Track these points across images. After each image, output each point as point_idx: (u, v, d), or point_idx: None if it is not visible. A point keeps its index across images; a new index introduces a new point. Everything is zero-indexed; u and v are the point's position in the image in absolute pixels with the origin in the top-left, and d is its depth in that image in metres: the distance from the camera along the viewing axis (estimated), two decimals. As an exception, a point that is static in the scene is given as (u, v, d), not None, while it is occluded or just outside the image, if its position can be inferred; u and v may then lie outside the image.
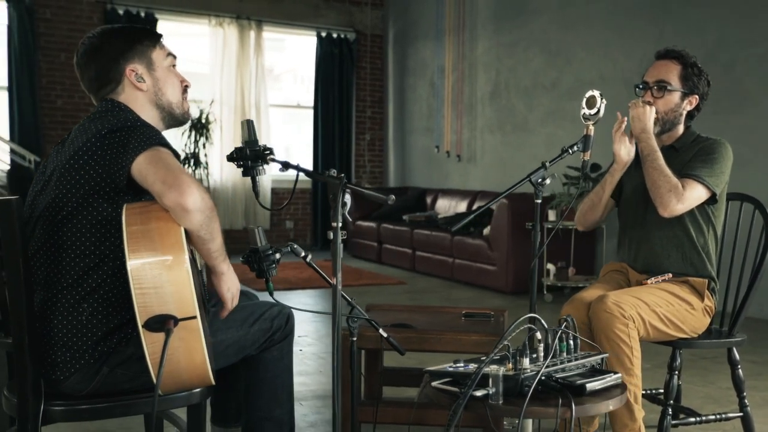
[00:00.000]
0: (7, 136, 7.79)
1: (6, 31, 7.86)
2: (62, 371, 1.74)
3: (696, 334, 2.58)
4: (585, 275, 6.05)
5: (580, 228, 2.88)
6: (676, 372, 2.56)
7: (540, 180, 2.43)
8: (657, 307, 2.43)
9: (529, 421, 1.96)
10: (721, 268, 2.79)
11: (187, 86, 2.08)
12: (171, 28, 8.90)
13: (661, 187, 2.48)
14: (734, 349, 2.64)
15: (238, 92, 8.92)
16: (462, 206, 7.66)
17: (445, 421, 2.04)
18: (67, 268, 1.76)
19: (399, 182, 9.72)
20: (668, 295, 2.49)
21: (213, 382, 1.76)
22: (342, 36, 9.60)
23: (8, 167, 7.63)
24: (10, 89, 7.89)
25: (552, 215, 5.87)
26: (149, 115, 1.96)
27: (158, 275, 1.60)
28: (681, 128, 2.68)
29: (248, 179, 1.93)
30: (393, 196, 1.73)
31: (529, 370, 1.79)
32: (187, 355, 1.64)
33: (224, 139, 8.75)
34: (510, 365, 1.81)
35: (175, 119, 2.03)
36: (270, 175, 8.59)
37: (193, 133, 8.33)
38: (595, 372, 1.92)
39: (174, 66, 2.05)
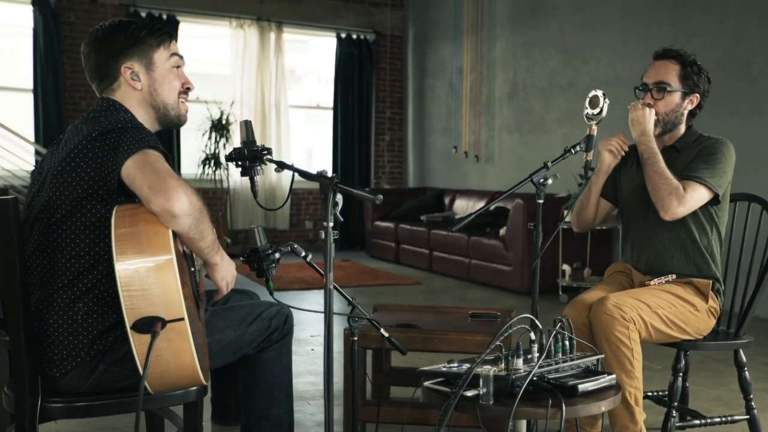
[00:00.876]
0: (32, 138, 7.93)
1: (32, 35, 8.00)
2: (59, 369, 1.77)
3: (701, 335, 2.55)
4: (600, 276, 5.96)
5: (576, 229, 2.88)
6: (680, 374, 2.54)
7: (542, 180, 2.43)
8: (659, 309, 2.41)
9: (523, 422, 1.96)
10: (729, 269, 2.76)
11: (189, 88, 2.06)
12: (192, 30, 9.01)
13: (661, 190, 2.46)
14: (741, 351, 2.61)
15: (258, 93, 8.99)
16: (479, 206, 7.65)
17: (454, 421, 2.05)
18: (63, 268, 1.78)
19: (418, 183, 9.73)
20: (671, 296, 2.47)
21: (204, 382, 1.77)
22: (361, 37, 9.63)
23: (33, 168, 7.75)
24: (35, 91, 8.04)
25: (569, 216, 5.82)
26: (143, 114, 1.96)
27: (145, 278, 1.62)
28: (683, 128, 2.65)
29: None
30: (380, 196, 1.75)
31: (521, 371, 1.79)
32: (175, 356, 1.66)
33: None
34: (502, 365, 1.82)
35: (169, 121, 2.02)
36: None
37: (214, 133, 8.42)
38: (589, 373, 1.91)
39: (179, 67, 2.03)
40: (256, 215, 8.92)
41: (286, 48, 9.33)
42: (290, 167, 1.92)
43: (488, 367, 1.79)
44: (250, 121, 1.98)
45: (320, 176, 1.81)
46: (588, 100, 2.46)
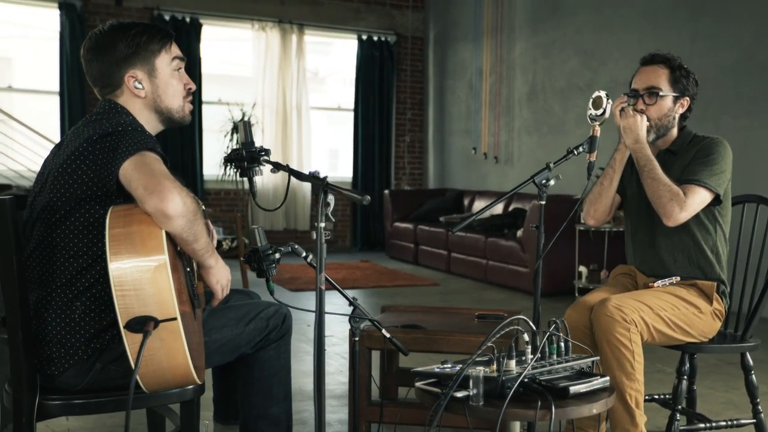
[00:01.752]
0: (57, 139, 8.06)
1: (58, 38, 8.14)
2: (57, 367, 1.81)
3: (706, 338, 2.53)
4: (620, 278, 5.94)
5: (591, 222, 2.80)
6: (685, 377, 2.52)
7: (544, 181, 2.43)
8: (662, 311, 2.39)
9: (517, 424, 1.96)
10: (736, 271, 2.74)
11: (191, 89, 2.07)
12: (215, 33, 9.10)
13: (662, 197, 2.44)
14: (747, 354, 2.58)
15: (279, 95, 9.05)
16: (498, 208, 7.62)
17: (450, 422, 2.06)
18: (61, 267, 1.82)
19: (438, 184, 9.72)
20: (674, 298, 2.45)
21: (198, 382, 1.80)
22: (382, 39, 9.65)
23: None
24: (61, 94, 8.18)
25: (582, 212, 5.80)
26: (147, 117, 1.99)
27: (139, 278, 1.64)
28: (675, 131, 2.63)
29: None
30: (368, 197, 1.76)
31: (513, 372, 1.79)
32: (168, 356, 1.69)
33: (266, 141, 8.87)
34: (494, 367, 1.82)
35: (174, 122, 2.05)
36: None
37: (235, 135, 8.49)
38: (583, 375, 1.91)
39: (180, 69, 2.04)
40: (277, 216, 8.99)
41: (310, 50, 9.37)
42: (285, 168, 1.94)
43: (480, 368, 1.80)
44: (249, 122, 2.00)
45: (311, 177, 1.83)
46: (591, 101, 2.45)
